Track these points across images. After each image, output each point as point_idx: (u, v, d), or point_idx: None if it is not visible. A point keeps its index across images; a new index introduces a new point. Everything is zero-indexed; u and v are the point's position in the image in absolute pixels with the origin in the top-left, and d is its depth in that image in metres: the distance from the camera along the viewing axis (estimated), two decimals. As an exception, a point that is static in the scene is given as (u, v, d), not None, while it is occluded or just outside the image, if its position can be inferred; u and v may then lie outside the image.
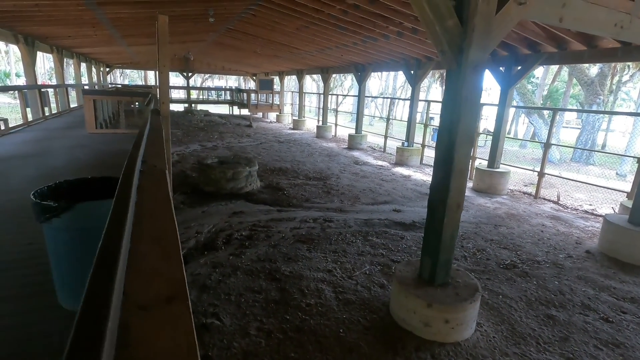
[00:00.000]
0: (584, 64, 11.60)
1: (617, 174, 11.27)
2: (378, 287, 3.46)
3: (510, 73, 6.98)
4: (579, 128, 16.94)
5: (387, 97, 21.84)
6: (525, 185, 8.38)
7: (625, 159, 11.16)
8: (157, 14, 2.79)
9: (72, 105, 11.85)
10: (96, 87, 15.39)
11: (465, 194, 7.53)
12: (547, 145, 7.03)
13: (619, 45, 5.41)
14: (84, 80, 17.38)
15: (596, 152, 12.64)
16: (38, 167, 4.10)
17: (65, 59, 12.26)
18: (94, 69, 17.03)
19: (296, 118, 17.60)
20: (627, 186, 8.79)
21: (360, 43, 8.57)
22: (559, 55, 6.20)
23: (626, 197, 5.91)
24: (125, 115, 10.27)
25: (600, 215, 6.24)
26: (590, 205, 6.94)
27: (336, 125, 15.17)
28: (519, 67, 6.85)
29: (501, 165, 7.64)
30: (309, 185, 7.27)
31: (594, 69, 13.17)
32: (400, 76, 31.79)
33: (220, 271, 3.67)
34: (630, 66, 16.14)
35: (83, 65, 14.75)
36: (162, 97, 2.65)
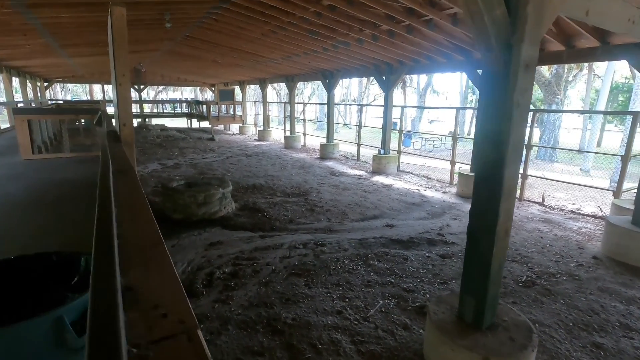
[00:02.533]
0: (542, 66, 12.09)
1: (580, 169, 11.81)
2: (402, 329, 2.93)
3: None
4: (535, 127, 17.68)
5: (360, 105, 21.69)
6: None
7: (587, 155, 11.74)
8: (109, 7, 2.10)
9: (1, 127, 10.30)
10: (32, 105, 13.67)
11: (452, 201, 7.41)
12: (528, 147, 6.97)
13: (597, 45, 5.38)
14: (18, 97, 15.49)
15: (557, 150, 13.24)
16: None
17: (-8, 74, 10.68)
18: (29, 84, 15.19)
19: (261, 129, 16.86)
20: (602, 182, 9.00)
21: (331, 48, 8.14)
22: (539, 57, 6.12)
23: (612, 195, 5.91)
24: (69, 135, 9.02)
25: (588, 215, 6.22)
26: (574, 204, 6.94)
27: (305, 134, 14.65)
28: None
29: (483, 169, 7.49)
30: (289, 203, 6.63)
31: (549, 70, 13.87)
32: (356, 83, 32.08)
33: (207, 327, 2.96)
34: (573, 67, 17.26)
35: (16, 80, 13.03)
36: (123, 117, 1.95)
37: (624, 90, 15.90)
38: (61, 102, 19.15)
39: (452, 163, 8.48)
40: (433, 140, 17.39)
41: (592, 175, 10.55)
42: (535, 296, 3.53)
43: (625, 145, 5.69)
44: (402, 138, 19.12)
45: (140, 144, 13.38)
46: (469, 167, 7.97)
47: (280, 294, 3.51)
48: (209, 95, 28.40)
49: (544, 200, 6.94)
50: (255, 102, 21.32)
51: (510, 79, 1.97)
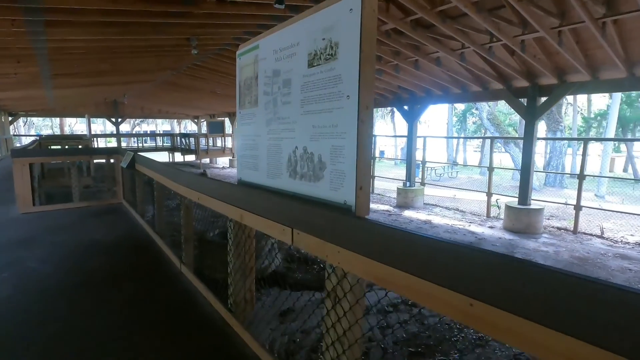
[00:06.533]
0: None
1: (595, 195, 11.93)
2: None
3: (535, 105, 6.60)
4: (539, 154, 18.00)
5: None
6: (548, 219, 7.96)
7: (601, 181, 11.91)
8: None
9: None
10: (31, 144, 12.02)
11: (506, 237, 6.88)
12: (580, 177, 6.66)
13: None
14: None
15: (566, 176, 13.41)
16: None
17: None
18: (-6, 119, 13.53)
19: (256, 162, 15.94)
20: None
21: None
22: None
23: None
24: (53, 177, 7.78)
25: (660, 248, 5.87)
26: (632, 235, 6.63)
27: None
28: (544, 98, 6.51)
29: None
30: (338, 250, 5.77)
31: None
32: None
33: None
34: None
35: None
36: (361, 175, 1.16)
37: (605, 117, 16.88)
38: (36, 137, 17.28)
39: (489, 195, 8.04)
40: (436, 170, 17.27)
41: (608, 201, 10.63)
42: None
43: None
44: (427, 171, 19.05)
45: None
46: (511, 199, 7.55)
47: (424, 390, 2.64)
48: (191, 127, 27.20)
49: (602, 233, 6.57)
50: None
51: None
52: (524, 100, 6.78)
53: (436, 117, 29.71)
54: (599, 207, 7.92)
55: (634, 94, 14.77)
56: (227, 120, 18.25)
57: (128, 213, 4.99)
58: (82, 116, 18.57)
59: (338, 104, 1.24)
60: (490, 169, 8.00)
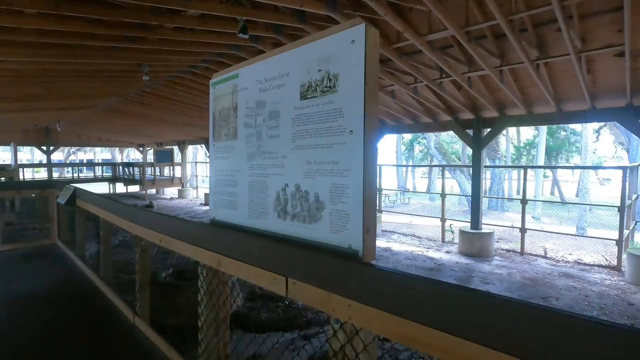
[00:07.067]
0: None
1: (532, 217, 13.01)
2: None
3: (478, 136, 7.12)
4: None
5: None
6: (497, 242, 8.43)
7: (536, 204, 13.08)
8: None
9: None
10: None
11: (464, 261, 7.10)
12: (523, 201, 7.20)
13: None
14: None
15: (506, 200, 14.58)
16: None
17: None
18: None
19: (208, 191, 15.26)
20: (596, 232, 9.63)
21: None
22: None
23: (615, 244, 6.23)
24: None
25: (595, 265, 6.43)
26: (570, 254, 7.21)
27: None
28: (488, 129, 7.05)
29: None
30: (302, 283, 5.53)
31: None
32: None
33: None
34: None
35: None
36: (369, 216, 1.05)
37: (534, 146, 18.95)
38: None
39: (443, 220, 8.37)
40: (389, 197, 17.79)
41: (544, 222, 11.69)
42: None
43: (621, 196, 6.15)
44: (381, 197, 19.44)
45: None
46: (463, 223, 7.93)
47: None
48: (135, 155, 25.58)
49: (546, 253, 7.08)
50: (196, 162, 19.61)
51: None
52: (470, 131, 7.30)
53: (386, 146, 31.14)
54: (541, 229, 8.60)
55: (555, 126, 16.87)
56: (176, 149, 17.44)
57: (65, 255, 4.38)
58: (6, 144, 16.64)
59: (339, 139, 1.15)
60: (443, 195, 8.39)
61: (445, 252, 7.55)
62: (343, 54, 1.14)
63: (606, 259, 6.51)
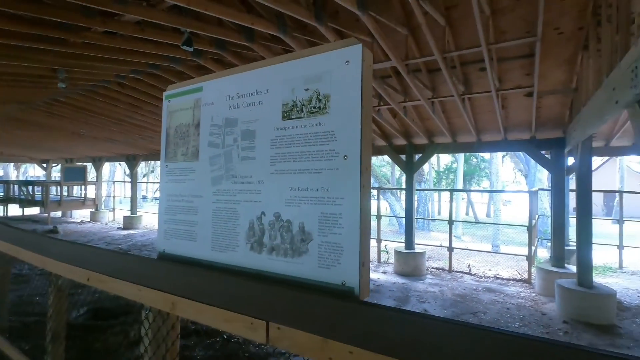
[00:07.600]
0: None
1: (454, 236, 14.12)
2: None
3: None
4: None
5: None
6: (427, 260, 8.94)
7: (456, 224, 14.29)
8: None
9: None
10: None
11: (400, 281, 7.33)
12: (450, 222, 7.79)
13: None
14: None
15: (431, 220, 15.76)
16: None
17: None
18: None
19: (128, 214, 13.75)
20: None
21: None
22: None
23: (526, 259, 7.01)
24: None
25: (510, 279, 7.14)
26: (490, 270, 7.93)
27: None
28: (419, 155, 7.58)
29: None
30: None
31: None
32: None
33: None
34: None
35: None
36: (365, 250, 0.93)
37: (452, 171, 21.05)
38: None
39: (379, 241, 8.65)
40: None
41: (464, 240, 12.83)
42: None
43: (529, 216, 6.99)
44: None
45: None
46: (397, 244, 8.27)
47: None
48: (33, 172, 22.20)
49: (470, 270, 7.68)
50: (115, 182, 17.55)
51: None
52: (403, 156, 7.77)
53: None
54: (465, 248, 9.36)
55: (469, 153, 19.09)
56: (90, 166, 15.53)
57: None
58: None
59: (331, 164, 1.05)
60: (379, 216, 8.71)
61: (382, 272, 7.75)
62: (336, 74, 1.06)
63: (519, 273, 7.30)
